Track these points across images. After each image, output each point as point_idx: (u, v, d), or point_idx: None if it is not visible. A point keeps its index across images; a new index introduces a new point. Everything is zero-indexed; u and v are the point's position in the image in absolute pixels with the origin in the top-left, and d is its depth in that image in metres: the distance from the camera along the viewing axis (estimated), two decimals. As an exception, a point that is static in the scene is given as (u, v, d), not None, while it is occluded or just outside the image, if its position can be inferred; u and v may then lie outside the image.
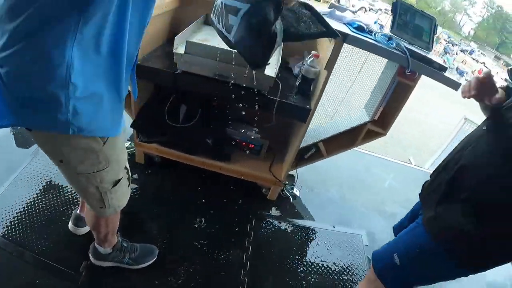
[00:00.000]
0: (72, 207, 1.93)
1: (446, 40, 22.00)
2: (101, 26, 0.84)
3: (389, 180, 3.03)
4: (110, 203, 1.23)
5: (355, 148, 2.84)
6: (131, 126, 2.09)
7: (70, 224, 1.77)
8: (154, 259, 1.76)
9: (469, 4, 43.51)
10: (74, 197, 2.00)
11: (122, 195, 1.28)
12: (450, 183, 1.22)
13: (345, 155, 2.31)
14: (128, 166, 1.27)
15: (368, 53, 1.91)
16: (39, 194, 1.96)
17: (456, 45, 23.25)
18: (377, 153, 3.41)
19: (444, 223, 1.21)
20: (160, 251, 1.80)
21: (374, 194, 2.81)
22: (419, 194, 1.45)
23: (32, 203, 1.90)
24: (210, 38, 1.93)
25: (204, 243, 1.94)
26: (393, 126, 1.97)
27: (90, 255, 1.65)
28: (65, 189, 2.04)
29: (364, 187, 2.86)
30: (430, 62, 1.63)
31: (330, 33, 1.20)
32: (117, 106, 1.05)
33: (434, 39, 1.82)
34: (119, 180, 1.20)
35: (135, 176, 2.25)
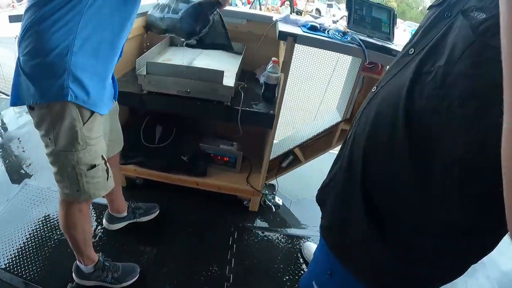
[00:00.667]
0: (57, 232, 1.98)
1: None
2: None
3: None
4: (85, 187, 1.30)
5: (336, 152, 2.84)
6: (107, 151, 2.14)
7: (104, 221, 2.03)
8: (136, 277, 1.76)
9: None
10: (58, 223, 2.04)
11: (98, 184, 1.35)
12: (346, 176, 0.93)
13: (326, 159, 2.30)
14: (105, 158, 1.36)
15: (338, 55, 1.94)
16: (26, 223, 2.02)
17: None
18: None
19: (341, 234, 0.95)
20: (142, 269, 1.80)
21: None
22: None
23: (20, 231, 1.95)
24: (173, 58, 1.98)
25: (187, 259, 1.93)
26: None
27: (73, 274, 1.67)
28: (50, 216, 2.09)
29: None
30: (388, 50, 1.63)
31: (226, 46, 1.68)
32: (106, 87, 1.27)
33: (395, 29, 1.82)
34: (94, 165, 1.29)
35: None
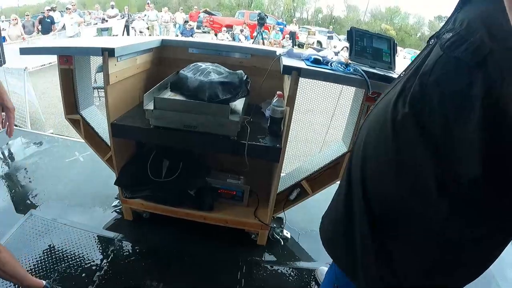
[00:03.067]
0: (63, 264, 1.98)
1: None
2: None
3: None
4: None
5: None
6: (114, 184, 2.16)
7: None
8: None
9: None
10: (65, 255, 2.05)
11: None
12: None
13: (334, 191, 2.28)
14: None
15: (342, 86, 1.96)
16: (30, 253, 2.03)
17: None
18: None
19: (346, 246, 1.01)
20: None
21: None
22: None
23: (24, 262, 1.97)
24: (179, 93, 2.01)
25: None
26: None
27: None
28: (55, 247, 2.10)
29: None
30: (390, 80, 1.62)
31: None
32: None
33: (395, 58, 1.84)
34: None
35: (126, 233, 2.29)
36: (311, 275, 2.14)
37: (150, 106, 1.82)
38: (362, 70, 1.62)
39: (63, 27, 11.27)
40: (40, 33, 11.19)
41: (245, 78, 1.87)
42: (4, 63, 3.77)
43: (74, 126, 2.23)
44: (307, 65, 1.71)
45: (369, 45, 1.80)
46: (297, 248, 2.37)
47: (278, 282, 2.07)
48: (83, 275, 1.94)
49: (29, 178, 2.88)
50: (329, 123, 2.24)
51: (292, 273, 2.14)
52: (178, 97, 1.87)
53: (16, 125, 4.29)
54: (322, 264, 2.19)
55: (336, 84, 1.80)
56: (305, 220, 2.61)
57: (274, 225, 2.35)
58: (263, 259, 2.22)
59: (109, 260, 2.06)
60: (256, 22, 15.12)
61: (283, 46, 12.52)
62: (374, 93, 1.68)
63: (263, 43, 13.56)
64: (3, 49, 3.65)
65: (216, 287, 1.99)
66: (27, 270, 1.88)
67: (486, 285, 2.18)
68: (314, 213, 2.67)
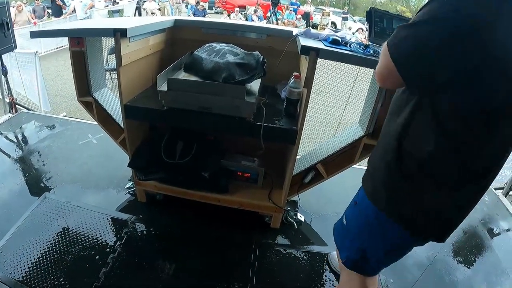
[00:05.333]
0: (76, 247, 1.99)
1: None
2: None
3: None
4: None
5: (359, 167, 2.77)
6: (128, 166, 2.16)
7: None
8: None
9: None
10: (79, 237, 2.06)
11: None
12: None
13: (349, 175, 2.24)
14: None
15: (358, 68, 1.91)
16: (44, 236, 2.05)
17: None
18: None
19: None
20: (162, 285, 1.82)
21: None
22: None
23: (38, 244, 1.98)
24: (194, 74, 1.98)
25: (207, 275, 1.92)
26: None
27: None
28: (69, 230, 2.11)
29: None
30: None
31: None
32: None
33: None
34: None
35: (140, 215, 2.29)
36: (323, 259, 2.13)
37: (164, 87, 1.80)
38: (382, 51, 1.57)
39: (74, 10, 11.25)
40: (51, 17, 11.18)
41: (261, 59, 1.83)
42: (15, 47, 3.77)
43: (87, 109, 2.22)
44: (325, 45, 1.66)
45: (389, 26, 1.73)
46: (310, 232, 2.36)
47: (291, 266, 2.07)
48: (97, 257, 1.95)
49: (43, 161, 2.89)
50: (345, 105, 2.19)
51: (304, 257, 2.13)
52: (193, 78, 1.84)
53: (28, 109, 4.32)
54: (334, 248, 2.17)
55: (353, 66, 1.76)
56: (319, 203, 2.59)
57: (288, 208, 2.33)
58: (276, 242, 2.21)
59: (122, 242, 2.07)
60: (269, 2, 14.88)
61: (296, 27, 12.34)
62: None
63: (277, 24, 13.38)
64: (14, 34, 3.64)
65: (229, 269, 1.99)
66: (42, 253, 1.92)
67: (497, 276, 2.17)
68: (328, 196, 2.66)
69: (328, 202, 2.64)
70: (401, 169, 1.10)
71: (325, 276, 2.02)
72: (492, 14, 0.81)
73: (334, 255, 2.07)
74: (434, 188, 1.06)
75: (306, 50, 1.59)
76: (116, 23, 2.04)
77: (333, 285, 1.97)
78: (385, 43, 0.97)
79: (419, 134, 1.03)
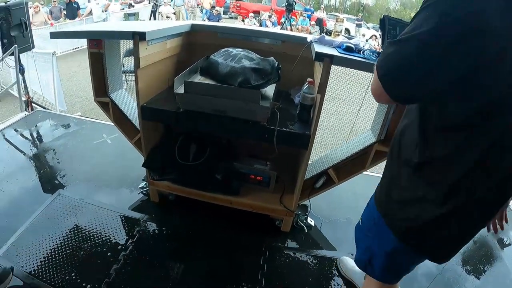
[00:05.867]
0: (88, 243, 2.04)
1: None
2: None
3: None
4: None
5: (370, 173, 2.78)
6: (142, 165, 2.20)
7: None
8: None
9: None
10: (91, 234, 2.11)
11: None
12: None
13: (360, 181, 2.27)
14: None
15: (371, 75, 1.92)
16: (57, 232, 2.10)
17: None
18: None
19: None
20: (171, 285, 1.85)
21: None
22: None
23: (51, 239, 2.03)
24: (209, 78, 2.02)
25: (217, 277, 1.94)
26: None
27: None
28: (81, 227, 2.16)
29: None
30: None
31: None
32: None
33: None
34: None
35: (152, 215, 2.33)
36: (332, 264, 2.13)
37: (180, 89, 1.84)
38: (395, 59, 1.59)
39: (90, 12, 11.43)
40: (66, 19, 11.38)
41: (276, 65, 1.86)
42: (33, 47, 3.87)
43: (103, 109, 2.27)
44: (339, 52, 1.68)
45: (402, 34, 1.76)
46: (320, 237, 2.37)
47: (300, 269, 2.08)
48: (109, 254, 1.99)
49: (57, 159, 2.96)
50: (357, 112, 2.21)
51: (314, 261, 2.14)
52: (209, 81, 1.88)
53: (44, 108, 4.41)
54: (344, 253, 2.19)
55: (366, 73, 1.78)
56: (329, 208, 2.60)
57: (299, 212, 2.35)
58: (286, 245, 2.23)
59: (134, 240, 2.11)
60: (282, 8, 14.95)
61: (310, 33, 12.34)
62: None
63: (291, 29, 13.41)
64: (32, 34, 3.74)
65: (238, 270, 2.01)
66: (54, 247, 1.97)
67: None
68: (339, 202, 2.68)
69: (339, 208, 2.65)
70: (398, 175, 1.10)
71: (334, 280, 2.03)
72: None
73: (343, 259, 2.09)
74: (423, 200, 1.03)
75: (320, 56, 1.62)
76: (134, 26, 2.09)
77: (339, 288, 1.98)
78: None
79: (408, 143, 1.05)
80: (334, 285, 2.00)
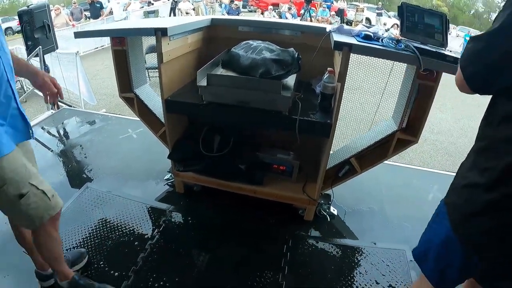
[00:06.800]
0: (116, 233, 2.09)
1: None
2: None
3: (433, 192, 2.90)
4: (29, 214, 1.36)
5: (393, 163, 2.77)
6: (168, 157, 2.27)
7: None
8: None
9: (501, 1, 41.15)
10: (118, 224, 2.17)
11: (39, 208, 1.38)
12: None
13: (383, 170, 2.27)
14: (36, 181, 1.37)
15: (392, 63, 1.93)
16: (87, 223, 2.17)
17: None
18: (417, 166, 3.26)
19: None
20: (197, 272, 1.91)
21: (417, 207, 2.65)
22: None
23: (81, 230, 2.10)
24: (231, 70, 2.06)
25: (241, 264, 1.99)
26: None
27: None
28: (110, 218, 2.22)
29: (406, 201, 2.74)
30: (443, 56, 1.60)
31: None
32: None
33: (448, 35, 1.78)
34: (23, 195, 1.31)
35: (178, 205, 2.40)
36: (354, 253, 2.15)
37: (203, 82, 1.89)
38: (414, 46, 1.59)
39: (111, 12, 11.62)
40: (88, 19, 11.61)
41: (296, 55, 1.88)
42: (57, 48, 3.99)
43: (128, 104, 2.34)
44: (358, 41, 1.69)
45: (420, 21, 1.75)
46: (343, 226, 2.38)
47: (322, 258, 2.10)
48: (136, 243, 2.06)
49: (84, 154, 3.06)
50: (379, 101, 2.21)
51: (336, 250, 2.16)
52: (230, 73, 1.92)
53: (70, 105, 4.53)
54: (366, 243, 2.22)
55: (387, 61, 1.78)
56: (352, 198, 2.61)
57: (322, 201, 2.37)
58: (309, 234, 2.26)
59: (160, 229, 2.17)
60: (302, 0, 14.83)
61: (330, 23, 12.23)
62: (426, 70, 1.65)
63: (311, 21, 13.30)
64: (55, 35, 3.85)
65: (262, 258, 2.04)
66: (84, 237, 2.05)
67: None
68: (362, 191, 2.68)
69: (362, 197, 2.66)
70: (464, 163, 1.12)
71: (356, 269, 2.04)
72: None
73: None
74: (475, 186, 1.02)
75: (339, 45, 1.64)
76: (156, 23, 2.15)
77: (363, 278, 1.98)
78: None
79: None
80: (356, 273, 2.01)
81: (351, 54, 1.66)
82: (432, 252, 1.22)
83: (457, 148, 5.41)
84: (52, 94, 1.50)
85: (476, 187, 1.00)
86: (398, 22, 1.83)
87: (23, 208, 1.32)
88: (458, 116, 6.91)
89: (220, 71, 2.02)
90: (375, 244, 2.23)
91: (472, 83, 0.99)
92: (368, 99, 2.27)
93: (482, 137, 1.03)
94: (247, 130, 2.36)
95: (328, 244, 2.19)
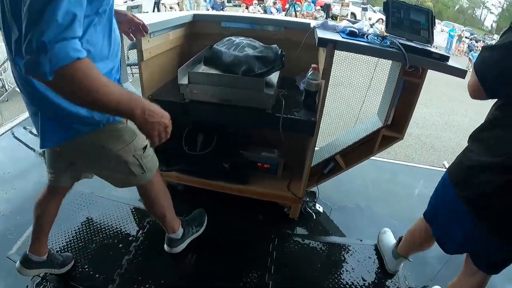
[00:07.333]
0: (100, 236, 2.06)
1: (469, 38, 21.00)
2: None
3: (419, 187, 2.91)
4: (147, 166, 1.48)
5: (379, 158, 2.77)
6: (150, 157, 2.21)
7: (17, 264, 1.70)
8: (205, 223, 2.11)
9: (486, -3, 41.78)
10: (102, 226, 2.13)
11: (152, 159, 1.53)
12: None
13: (369, 166, 2.26)
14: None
15: (377, 59, 1.91)
16: (70, 225, 2.11)
17: (480, 40, 21.77)
18: (402, 161, 3.28)
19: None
20: (180, 272, 1.89)
21: (403, 203, 2.69)
22: None
23: (64, 233, 2.05)
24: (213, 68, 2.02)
25: (226, 264, 1.96)
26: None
27: (167, 247, 1.94)
28: (93, 220, 2.18)
29: (392, 197, 2.76)
30: (429, 53, 1.59)
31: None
32: None
33: (434, 31, 1.77)
34: (146, 146, 1.46)
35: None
36: (341, 250, 2.15)
37: (185, 80, 1.84)
38: (399, 43, 1.58)
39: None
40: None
41: (280, 52, 1.85)
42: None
43: (109, 102, 2.27)
44: (343, 37, 1.67)
45: (406, 17, 1.74)
46: (329, 223, 2.38)
47: (309, 256, 2.09)
48: (120, 245, 2.02)
49: (67, 154, 2.96)
50: (364, 98, 2.19)
51: (322, 247, 2.15)
52: (213, 71, 1.89)
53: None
54: (353, 240, 2.23)
55: (371, 58, 1.77)
56: (338, 194, 2.61)
57: (307, 199, 2.36)
58: (295, 232, 2.24)
59: (145, 230, 2.13)
60: (288, -6, 14.81)
61: (315, 18, 12.23)
62: (411, 67, 1.64)
63: (296, 16, 13.30)
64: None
65: (248, 258, 2.02)
66: (67, 240, 2.01)
67: None
68: (347, 187, 2.68)
69: (347, 193, 2.66)
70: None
71: (343, 266, 2.04)
72: None
73: (384, 232, 2.19)
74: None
75: (324, 42, 1.62)
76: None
77: (350, 275, 1.98)
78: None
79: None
80: (343, 271, 2.01)
81: (336, 50, 1.63)
82: (438, 214, 1.49)
83: (442, 143, 5.46)
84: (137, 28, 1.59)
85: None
86: (384, 17, 1.82)
87: (145, 160, 1.46)
88: (442, 110, 6.97)
89: (202, 68, 1.98)
90: (361, 241, 2.24)
91: (491, 92, 1.15)
92: (353, 95, 2.26)
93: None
94: (231, 128, 2.32)
95: (314, 242, 2.18)
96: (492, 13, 42.32)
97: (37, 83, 1.06)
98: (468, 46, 17.95)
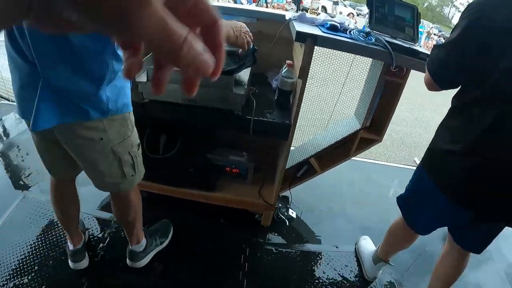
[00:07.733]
0: (59, 251, 1.85)
1: (437, 35, 21.70)
2: None
3: (394, 187, 2.84)
4: (139, 167, 1.45)
5: (357, 159, 2.67)
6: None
7: (70, 263, 1.74)
8: (170, 234, 1.98)
9: (453, -5, 43.22)
10: (59, 240, 1.92)
11: (141, 161, 1.48)
12: None
13: (343, 167, 2.14)
14: None
15: (353, 55, 1.77)
16: (24, 240, 1.90)
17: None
18: (377, 160, 3.23)
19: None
20: None
21: (378, 205, 2.61)
22: None
23: (18, 250, 1.83)
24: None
25: (195, 280, 1.80)
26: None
27: (129, 262, 1.78)
28: (51, 232, 1.96)
29: (367, 199, 2.68)
30: (416, 53, 1.47)
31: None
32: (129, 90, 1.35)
33: (419, 29, 1.67)
34: (139, 144, 1.43)
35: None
36: (316, 258, 2.05)
37: (143, 78, 1.63)
38: (385, 41, 1.45)
39: None
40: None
41: (252, 46, 1.67)
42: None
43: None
44: (323, 32, 1.52)
45: (391, 13, 1.63)
46: (303, 229, 2.27)
47: (283, 266, 1.97)
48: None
49: (22, 156, 2.69)
50: (338, 96, 2.06)
51: (297, 256, 2.04)
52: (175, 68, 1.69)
53: (8, 100, 4.05)
54: (328, 246, 2.14)
55: (347, 54, 1.64)
56: (311, 197, 2.51)
57: (280, 204, 2.22)
58: (267, 241, 2.11)
59: (105, 244, 1.94)
60: (258, -15, 14.61)
61: (286, 10, 12.10)
62: (396, 67, 1.50)
63: (267, 7, 13.12)
64: None
65: (218, 271, 1.87)
66: (22, 258, 1.79)
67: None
68: (321, 189, 2.58)
69: (322, 196, 2.56)
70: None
71: (319, 275, 1.94)
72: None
73: (363, 239, 2.15)
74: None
75: (303, 36, 1.46)
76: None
77: (326, 284, 1.89)
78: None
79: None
80: (319, 280, 1.91)
81: (316, 46, 1.48)
82: (407, 187, 1.58)
83: (412, 139, 5.46)
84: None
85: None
86: (354, 12, 1.70)
87: (139, 159, 1.43)
88: (411, 106, 7.01)
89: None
90: (337, 247, 2.15)
91: (441, 84, 1.28)
92: (327, 92, 2.13)
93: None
94: (196, 129, 2.13)
95: (288, 250, 2.06)
96: (460, 11, 43.89)
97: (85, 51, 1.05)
98: (437, 42, 18.38)
